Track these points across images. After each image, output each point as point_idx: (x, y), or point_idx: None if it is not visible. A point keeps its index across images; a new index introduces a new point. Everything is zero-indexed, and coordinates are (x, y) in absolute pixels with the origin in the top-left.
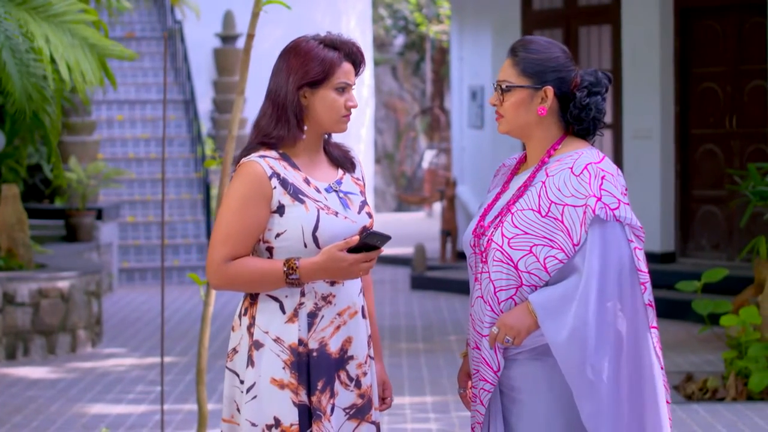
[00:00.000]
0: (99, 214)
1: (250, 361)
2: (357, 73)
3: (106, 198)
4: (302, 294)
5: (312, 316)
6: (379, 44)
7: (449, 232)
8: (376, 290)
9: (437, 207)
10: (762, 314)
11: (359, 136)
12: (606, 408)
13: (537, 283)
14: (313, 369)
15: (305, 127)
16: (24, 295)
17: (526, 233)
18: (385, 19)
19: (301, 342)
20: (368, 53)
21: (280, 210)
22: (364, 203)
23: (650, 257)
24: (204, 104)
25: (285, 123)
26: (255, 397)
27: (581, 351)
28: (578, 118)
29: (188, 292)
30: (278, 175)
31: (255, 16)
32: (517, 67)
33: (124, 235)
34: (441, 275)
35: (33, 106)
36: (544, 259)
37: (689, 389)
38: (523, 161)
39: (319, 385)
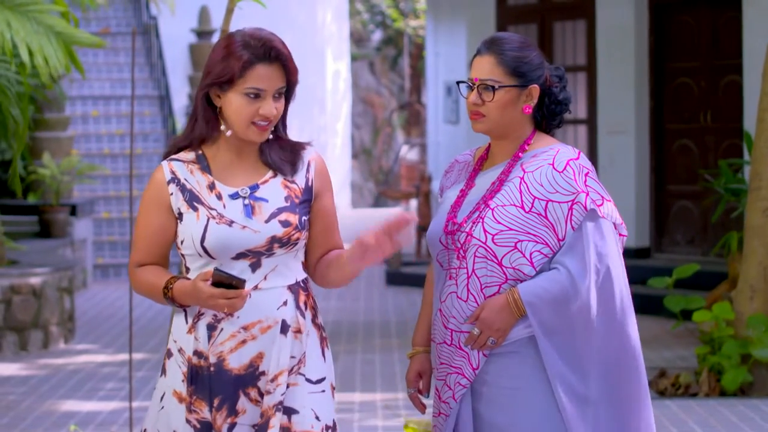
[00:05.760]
0: (73, 210)
1: (163, 370)
2: (289, 79)
3: (80, 194)
4: None
5: (211, 329)
6: (357, 39)
7: (424, 227)
8: (350, 287)
9: (413, 203)
10: (735, 310)
11: (336, 131)
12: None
13: (522, 278)
14: (212, 384)
15: (222, 127)
16: None
17: (510, 229)
18: (362, 14)
19: (201, 355)
20: (345, 48)
21: (180, 217)
22: (281, 210)
23: (625, 252)
24: (179, 100)
25: (193, 122)
26: (163, 408)
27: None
28: (553, 113)
29: None
30: (177, 181)
31: (229, 12)
32: (504, 66)
33: (98, 231)
34: (416, 271)
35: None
36: (531, 254)
37: (662, 385)
38: (485, 158)
39: (216, 402)
